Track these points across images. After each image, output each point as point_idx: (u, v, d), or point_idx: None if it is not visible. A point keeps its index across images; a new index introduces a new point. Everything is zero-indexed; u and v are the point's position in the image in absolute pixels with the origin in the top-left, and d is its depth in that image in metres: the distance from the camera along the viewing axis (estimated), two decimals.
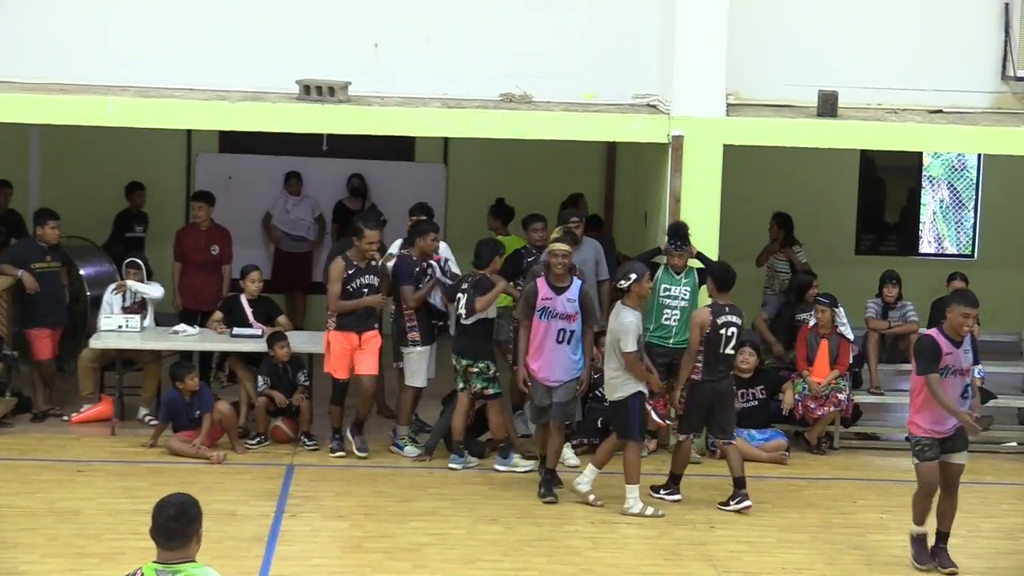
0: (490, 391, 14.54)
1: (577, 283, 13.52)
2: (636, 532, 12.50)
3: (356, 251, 14.78)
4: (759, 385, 15.32)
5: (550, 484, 13.49)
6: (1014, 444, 15.73)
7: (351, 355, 14.62)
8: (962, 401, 11.44)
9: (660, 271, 14.61)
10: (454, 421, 14.64)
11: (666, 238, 15.01)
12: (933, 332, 11.71)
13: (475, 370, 14.50)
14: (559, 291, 13.30)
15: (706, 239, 15.22)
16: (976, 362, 13.13)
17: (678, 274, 14.60)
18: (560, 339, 13.33)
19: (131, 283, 15.76)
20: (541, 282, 13.36)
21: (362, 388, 14.75)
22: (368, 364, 14.73)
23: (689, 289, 14.71)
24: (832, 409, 15.04)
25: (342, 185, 18.69)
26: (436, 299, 15.18)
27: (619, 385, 12.87)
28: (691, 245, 14.86)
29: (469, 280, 14.62)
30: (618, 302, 13.14)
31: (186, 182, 18.72)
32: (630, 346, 12.64)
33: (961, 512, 11.70)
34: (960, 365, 11.39)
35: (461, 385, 14.68)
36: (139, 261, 16.07)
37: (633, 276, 12.99)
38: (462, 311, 14.55)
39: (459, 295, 14.60)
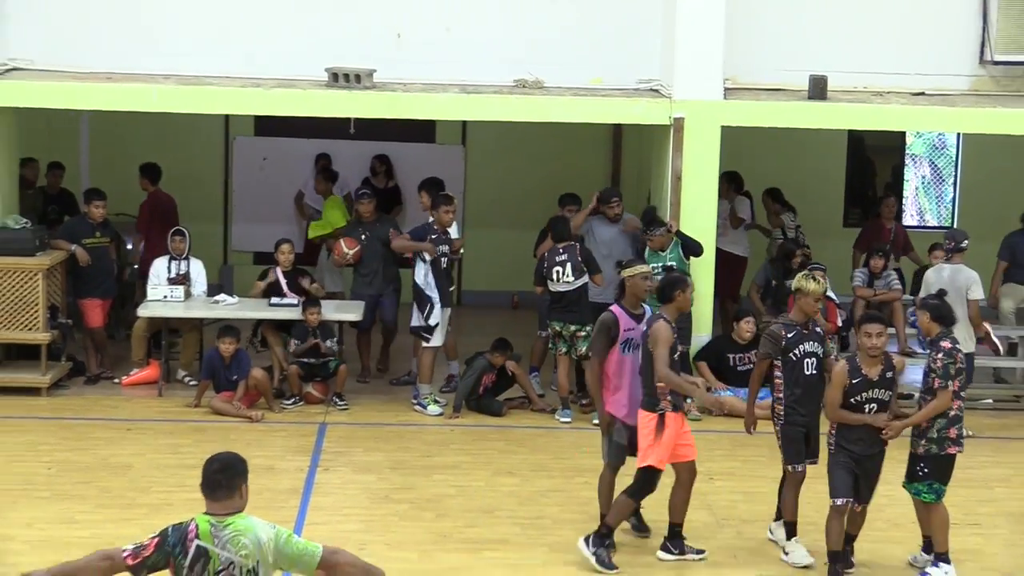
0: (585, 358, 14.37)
1: (647, 308, 11.42)
2: None
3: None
4: (756, 349, 15.39)
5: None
6: (990, 401, 15.81)
7: None
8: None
9: (647, 253, 14.59)
10: (560, 379, 14.83)
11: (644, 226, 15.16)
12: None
13: (582, 334, 14.58)
14: (638, 319, 11.20)
15: (705, 214, 15.37)
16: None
17: (663, 251, 14.60)
18: (640, 371, 11.04)
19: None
20: (619, 311, 11.25)
21: None
22: None
23: (675, 263, 14.74)
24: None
25: (367, 165, 18.71)
26: (421, 276, 15.19)
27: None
28: (669, 223, 14.98)
29: (564, 251, 14.67)
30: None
31: (224, 163, 18.76)
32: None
33: None
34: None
35: (564, 349, 14.80)
36: (184, 230, 16.15)
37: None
38: (567, 279, 14.63)
39: (556, 268, 14.66)
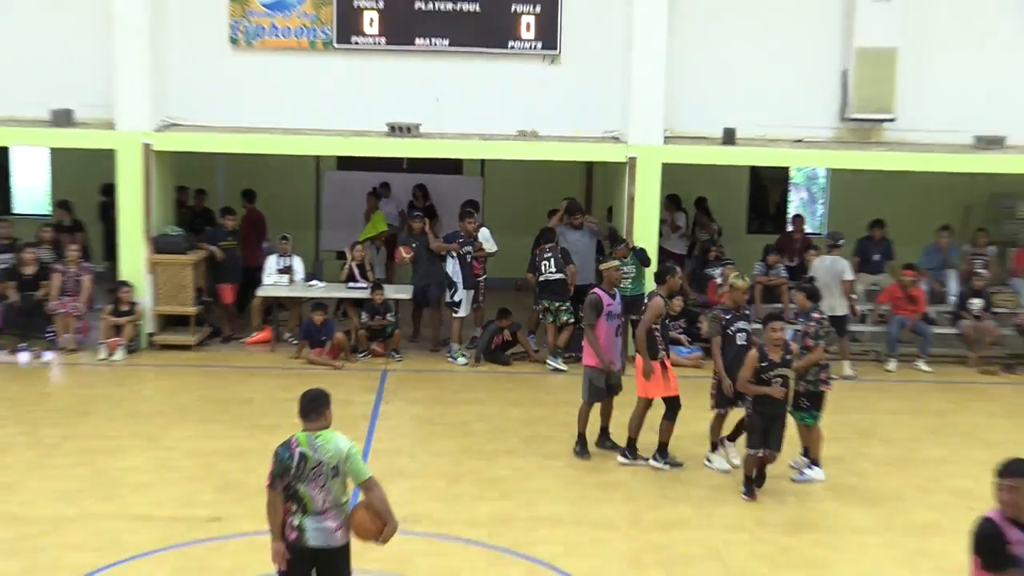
0: (569, 320, 14.77)
1: (617, 292, 11.57)
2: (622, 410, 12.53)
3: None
4: (683, 319, 15.39)
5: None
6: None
7: None
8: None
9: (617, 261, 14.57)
10: (549, 339, 14.89)
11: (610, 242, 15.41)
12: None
13: (563, 308, 14.78)
14: (613, 297, 11.33)
15: (651, 224, 15.34)
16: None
17: (625, 259, 14.42)
18: (617, 333, 11.40)
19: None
20: (601, 292, 11.24)
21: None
22: None
23: (633, 267, 14.73)
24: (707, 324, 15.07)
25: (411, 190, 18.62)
26: (450, 268, 15.26)
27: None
28: (627, 241, 14.96)
29: (549, 251, 14.76)
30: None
31: (316, 189, 18.75)
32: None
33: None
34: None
35: (551, 319, 14.83)
36: (288, 236, 16.11)
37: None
38: (551, 270, 14.69)
39: (544, 262, 14.73)
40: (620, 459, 11.23)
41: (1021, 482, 5.94)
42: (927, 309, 15.62)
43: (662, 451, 11.16)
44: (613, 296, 11.33)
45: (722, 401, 10.97)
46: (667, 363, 11.08)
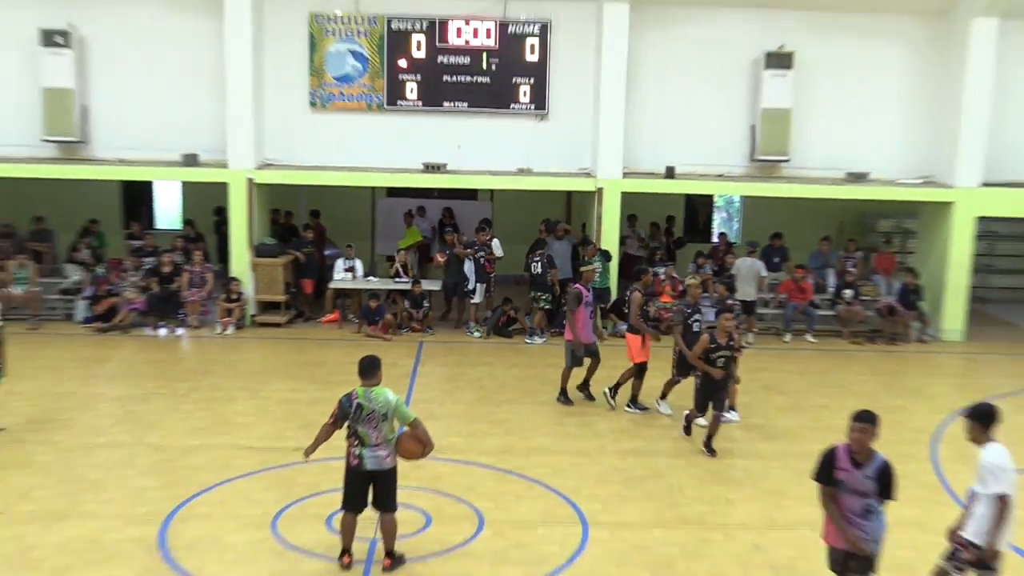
0: (546, 307, 14.59)
1: (591, 288, 11.36)
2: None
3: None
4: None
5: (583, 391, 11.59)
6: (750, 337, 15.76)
7: None
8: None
9: (584, 259, 14.39)
10: (534, 320, 14.71)
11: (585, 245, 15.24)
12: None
13: (543, 297, 14.60)
14: (590, 292, 11.25)
15: (614, 236, 15.24)
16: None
17: (593, 257, 14.37)
18: (591, 316, 11.22)
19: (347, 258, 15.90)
20: (580, 288, 11.09)
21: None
22: None
23: (599, 263, 14.56)
24: (671, 315, 14.92)
25: (439, 213, 18.54)
26: (468, 268, 15.11)
27: None
28: (594, 244, 14.85)
29: (538, 256, 14.64)
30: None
31: (371, 211, 18.71)
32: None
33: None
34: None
35: (540, 305, 14.64)
36: (352, 245, 16.01)
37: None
38: (538, 270, 14.54)
39: (533, 263, 14.64)
40: (626, 408, 11.15)
41: (868, 427, 5.96)
42: (813, 297, 15.55)
43: (635, 400, 11.17)
44: (589, 290, 11.28)
45: (682, 370, 10.70)
46: (646, 339, 11.01)
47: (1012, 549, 6.92)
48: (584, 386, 11.54)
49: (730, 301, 11.03)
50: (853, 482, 5.94)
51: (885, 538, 6.06)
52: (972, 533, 5.99)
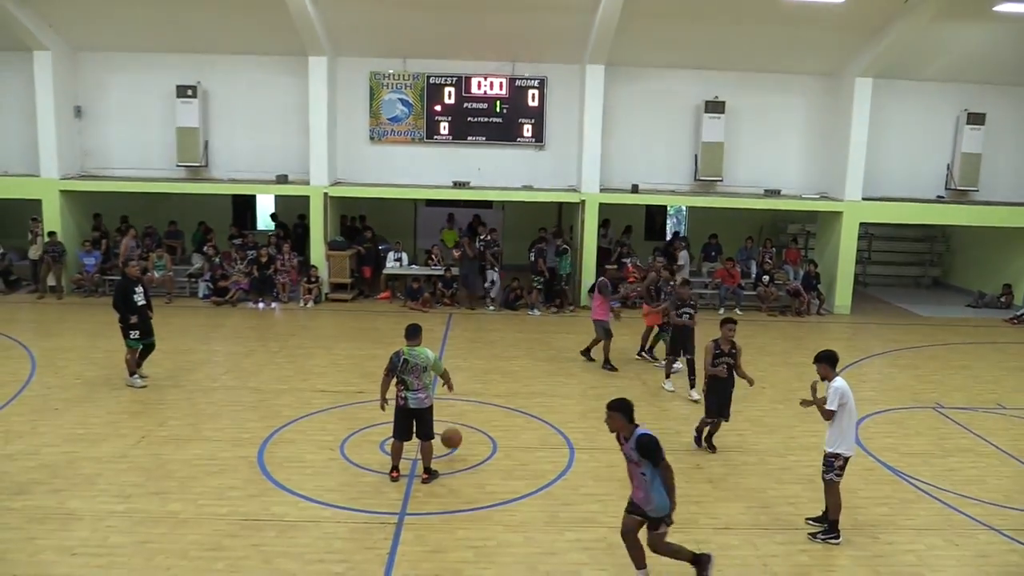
0: (538, 287, 14.37)
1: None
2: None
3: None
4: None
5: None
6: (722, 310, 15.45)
7: None
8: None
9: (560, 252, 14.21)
10: (531, 298, 14.38)
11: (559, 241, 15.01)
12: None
13: (536, 280, 14.44)
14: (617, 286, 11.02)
15: (592, 237, 14.96)
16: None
17: (564, 254, 14.21)
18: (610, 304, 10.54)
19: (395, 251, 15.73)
20: (608, 280, 10.73)
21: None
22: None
23: (568, 259, 14.43)
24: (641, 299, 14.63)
25: (467, 219, 18.29)
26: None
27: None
28: (563, 236, 14.66)
29: (535, 252, 14.48)
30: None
31: (414, 217, 18.56)
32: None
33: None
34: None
35: (536, 287, 14.43)
36: (399, 241, 15.84)
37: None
38: (531, 259, 14.37)
39: (530, 255, 14.43)
40: (644, 354, 11.04)
41: (614, 414, 5.71)
42: (740, 281, 15.40)
43: (650, 351, 11.05)
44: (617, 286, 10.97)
45: (674, 349, 9.85)
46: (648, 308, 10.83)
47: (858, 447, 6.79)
48: (586, 351, 11.26)
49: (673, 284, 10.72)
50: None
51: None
52: (827, 443, 6.43)
